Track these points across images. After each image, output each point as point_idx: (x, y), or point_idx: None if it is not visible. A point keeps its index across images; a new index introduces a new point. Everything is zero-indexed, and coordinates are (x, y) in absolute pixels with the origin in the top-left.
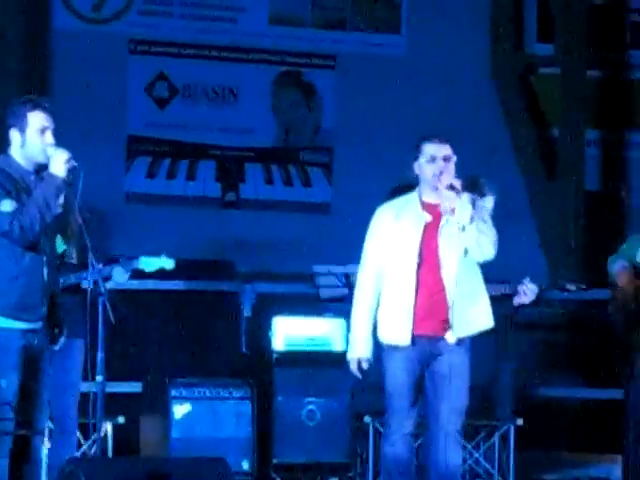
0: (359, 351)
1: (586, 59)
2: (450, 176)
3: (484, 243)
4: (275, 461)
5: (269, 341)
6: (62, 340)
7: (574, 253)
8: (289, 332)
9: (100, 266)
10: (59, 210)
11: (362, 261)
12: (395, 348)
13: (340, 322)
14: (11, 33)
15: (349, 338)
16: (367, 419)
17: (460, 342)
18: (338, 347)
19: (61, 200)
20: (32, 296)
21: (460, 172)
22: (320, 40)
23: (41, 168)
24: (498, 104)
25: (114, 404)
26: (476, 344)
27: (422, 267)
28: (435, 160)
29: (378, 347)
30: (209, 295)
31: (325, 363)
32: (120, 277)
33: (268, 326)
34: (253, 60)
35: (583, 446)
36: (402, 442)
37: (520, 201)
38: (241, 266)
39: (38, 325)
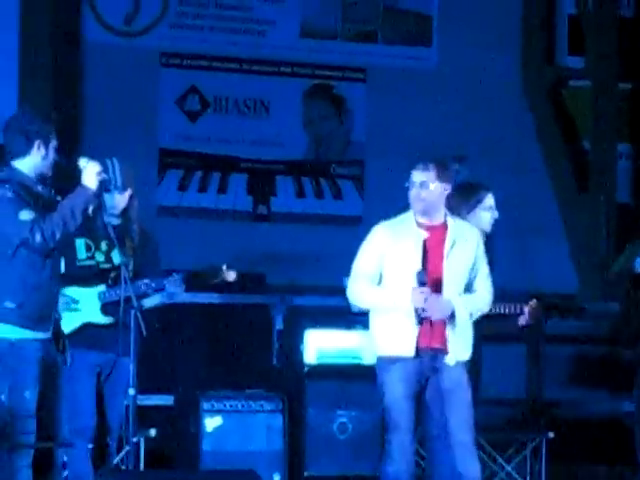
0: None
1: (617, 72)
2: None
3: None
4: (306, 474)
5: (300, 354)
6: (68, 357)
7: (605, 266)
8: (320, 345)
9: (146, 280)
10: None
11: (353, 275)
12: (394, 361)
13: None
14: (43, 46)
15: (386, 308)
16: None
17: (458, 364)
18: (369, 360)
19: (89, 211)
20: (48, 307)
21: (493, 184)
22: (351, 53)
23: (44, 179)
24: (529, 117)
25: (146, 417)
26: (507, 358)
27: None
28: (412, 185)
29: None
30: (241, 308)
31: (356, 376)
32: (175, 288)
33: (300, 339)
34: (284, 73)
35: (615, 460)
36: (404, 460)
37: (551, 214)
38: (273, 279)
39: (50, 335)
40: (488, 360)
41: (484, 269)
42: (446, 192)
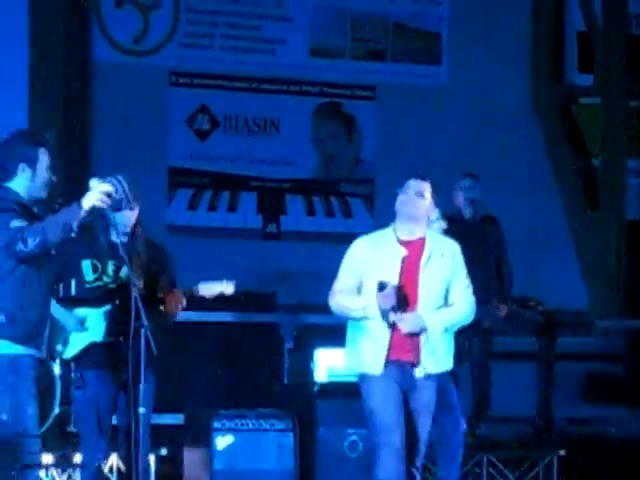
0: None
1: (626, 88)
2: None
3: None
4: None
5: (311, 373)
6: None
7: (615, 283)
8: (331, 363)
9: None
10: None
11: (332, 291)
12: (372, 373)
13: None
14: (53, 65)
15: (358, 311)
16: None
17: (429, 377)
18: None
19: (74, 226)
20: (42, 325)
21: (504, 203)
22: (360, 71)
23: (38, 202)
24: (539, 134)
25: (157, 436)
26: (518, 375)
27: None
28: (406, 192)
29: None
30: (251, 327)
31: None
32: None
33: (310, 358)
34: (293, 92)
35: (630, 477)
36: (394, 462)
37: (561, 231)
38: (283, 298)
39: (43, 354)
40: (499, 377)
41: (462, 282)
42: (431, 212)
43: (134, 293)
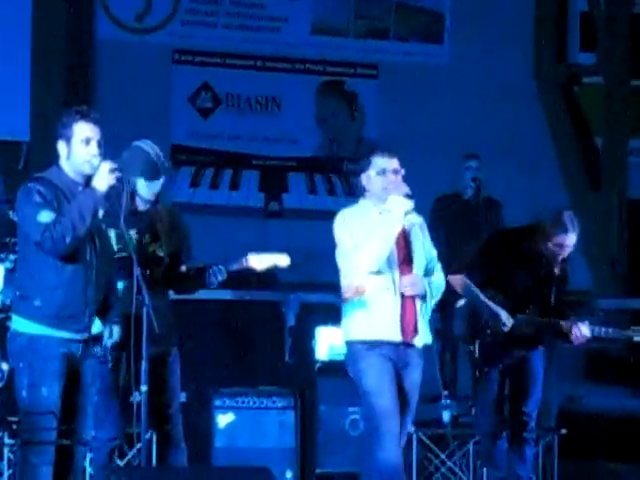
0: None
1: (629, 68)
2: (404, 186)
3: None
4: (318, 471)
5: (312, 351)
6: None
7: (617, 262)
8: (332, 342)
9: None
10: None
11: (352, 255)
12: (371, 347)
13: None
14: (55, 43)
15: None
16: (410, 429)
17: (420, 353)
18: None
19: (100, 214)
20: (73, 307)
21: (506, 182)
22: (363, 50)
23: (90, 180)
24: (541, 114)
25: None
26: None
27: (398, 268)
28: (385, 173)
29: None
30: (252, 305)
31: None
32: (218, 278)
33: (311, 336)
34: (296, 70)
35: (626, 456)
36: (395, 446)
37: None
38: (284, 276)
39: (82, 336)
40: None
41: (435, 253)
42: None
43: (136, 271)
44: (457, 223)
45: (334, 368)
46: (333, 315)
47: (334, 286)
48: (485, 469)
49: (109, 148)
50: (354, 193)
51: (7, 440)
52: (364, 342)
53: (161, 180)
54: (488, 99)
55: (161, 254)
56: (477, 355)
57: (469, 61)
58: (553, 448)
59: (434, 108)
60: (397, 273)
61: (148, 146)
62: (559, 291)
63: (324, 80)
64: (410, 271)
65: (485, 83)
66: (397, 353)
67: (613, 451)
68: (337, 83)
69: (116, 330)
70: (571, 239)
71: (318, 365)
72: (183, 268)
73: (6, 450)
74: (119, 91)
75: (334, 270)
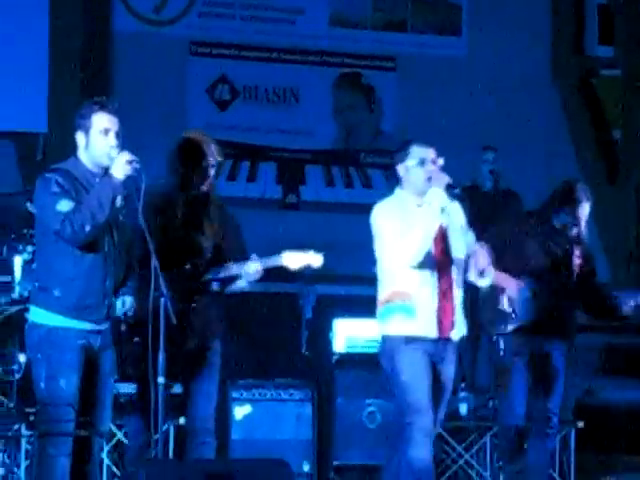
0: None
1: None
2: (444, 176)
3: None
4: (335, 463)
5: (330, 343)
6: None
7: (635, 255)
8: (349, 334)
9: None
10: (119, 211)
11: (397, 249)
12: (411, 341)
13: None
14: (72, 35)
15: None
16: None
17: (456, 346)
18: None
19: (118, 202)
20: (92, 297)
21: (524, 174)
22: (380, 42)
23: (107, 171)
24: (559, 107)
25: (175, 405)
26: None
27: (436, 264)
28: (424, 163)
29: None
30: (270, 297)
31: None
32: (251, 276)
33: (329, 328)
34: (313, 62)
35: None
36: (428, 443)
37: None
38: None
39: (101, 326)
40: None
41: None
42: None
43: (153, 262)
44: (476, 215)
45: (351, 360)
46: (350, 307)
47: (351, 278)
48: (502, 462)
49: (126, 140)
50: (371, 185)
51: (24, 431)
52: (401, 337)
53: (212, 170)
54: (505, 91)
55: (205, 246)
56: (502, 345)
57: (487, 53)
58: (570, 441)
59: (451, 100)
60: (435, 269)
61: (195, 132)
62: (583, 275)
63: (341, 72)
64: (448, 267)
65: (502, 75)
66: (434, 348)
67: (630, 444)
68: (354, 75)
69: (128, 300)
70: (584, 209)
71: (335, 357)
72: (229, 264)
73: (24, 441)
74: (136, 83)
75: (351, 262)
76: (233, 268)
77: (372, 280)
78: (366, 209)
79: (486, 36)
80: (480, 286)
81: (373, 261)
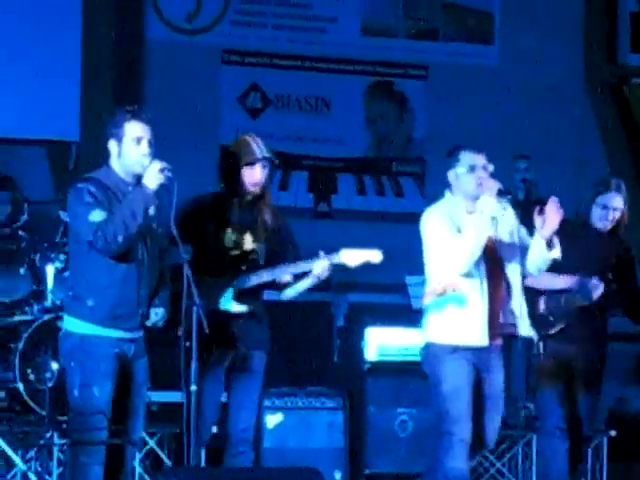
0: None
1: None
2: (495, 183)
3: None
4: (367, 472)
5: (361, 351)
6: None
7: None
8: (381, 342)
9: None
10: (153, 221)
11: (448, 253)
12: (453, 350)
13: None
14: (105, 43)
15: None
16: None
17: (501, 353)
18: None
19: (151, 211)
20: (125, 306)
21: (555, 183)
22: (412, 50)
23: (139, 180)
24: (591, 115)
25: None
26: None
27: (487, 272)
28: (474, 169)
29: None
30: (302, 305)
31: (417, 373)
32: (321, 273)
33: (360, 336)
34: (345, 71)
35: None
36: (465, 453)
37: None
38: (334, 276)
39: (135, 334)
40: None
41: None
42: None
43: (185, 270)
44: None
45: (383, 369)
46: (382, 315)
47: (383, 287)
48: (535, 468)
49: (159, 148)
50: (402, 194)
51: (57, 440)
52: (446, 345)
53: (259, 168)
54: (537, 100)
55: (257, 253)
56: (542, 349)
57: (518, 62)
58: (602, 450)
59: (483, 109)
60: (485, 278)
61: (250, 137)
62: (624, 276)
63: (373, 81)
64: (499, 276)
65: (534, 83)
66: (479, 357)
67: None
68: (386, 84)
69: (160, 311)
70: (616, 201)
71: (367, 366)
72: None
73: (55, 450)
74: (168, 91)
75: (383, 270)
76: (302, 265)
77: (404, 288)
78: (397, 217)
79: (517, 44)
80: (552, 258)
81: (404, 269)
